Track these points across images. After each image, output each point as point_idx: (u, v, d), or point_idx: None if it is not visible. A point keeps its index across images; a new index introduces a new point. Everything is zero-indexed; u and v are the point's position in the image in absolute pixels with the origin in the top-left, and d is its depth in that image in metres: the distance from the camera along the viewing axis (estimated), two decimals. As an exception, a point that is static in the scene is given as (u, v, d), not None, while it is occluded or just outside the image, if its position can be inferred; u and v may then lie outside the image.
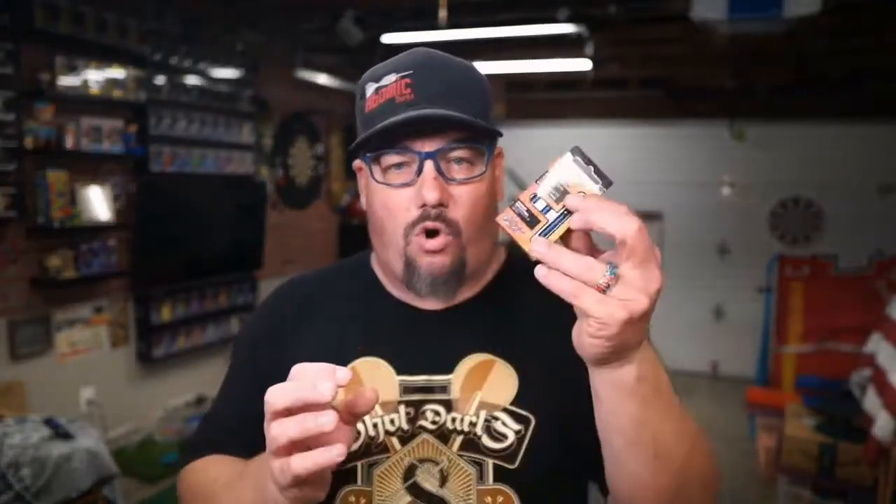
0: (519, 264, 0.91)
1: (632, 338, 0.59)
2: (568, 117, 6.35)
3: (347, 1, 3.77)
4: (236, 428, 0.87)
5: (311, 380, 0.61)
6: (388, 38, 4.15)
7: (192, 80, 4.15)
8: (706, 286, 6.02)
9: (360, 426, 0.82)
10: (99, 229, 3.62)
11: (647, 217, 6.21)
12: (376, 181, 0.80)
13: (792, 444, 3.22)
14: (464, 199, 0.78)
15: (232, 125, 4.50)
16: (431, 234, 0.78)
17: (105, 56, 3.56)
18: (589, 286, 0.56)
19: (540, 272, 0.58)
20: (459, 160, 0.78)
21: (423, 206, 0.77)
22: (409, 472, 0.80)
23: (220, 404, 0.95)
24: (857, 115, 5.37)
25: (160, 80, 3.90)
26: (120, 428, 3.89)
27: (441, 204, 0.77)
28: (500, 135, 0.82)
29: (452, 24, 3.69)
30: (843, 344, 4.22)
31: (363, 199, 0.87)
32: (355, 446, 0.82)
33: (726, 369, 5.94)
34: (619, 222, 0.56)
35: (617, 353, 0.59)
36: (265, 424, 0.62)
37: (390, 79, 0.78)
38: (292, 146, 5.34)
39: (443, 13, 3.53)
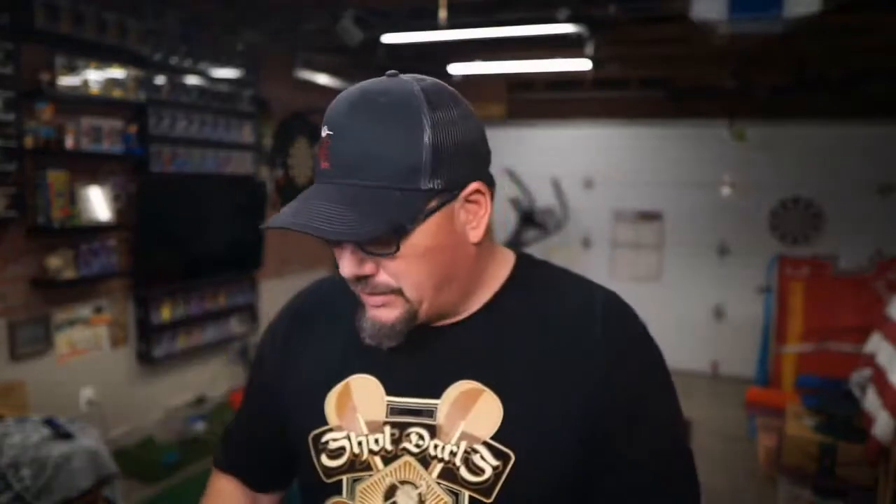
0: (530, 272, 0.87)
1: None
2: (568, 117, 6.35)
3: (347, 1, 3.77)
4: (248, 448, 1.00)
5: None
6: (388, 38, 4.15)
7: (192, 80, 4.15)
8: (706, 286, 6.02)
9: (345, 443, 0.83)
10: (99, 229, 3.61)
11: (647, 217, 6.22)
12: None
13: (792, 444, 3.22)
14: (391, 268, 0.75)
15: (232, 125, 4.50)
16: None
17: (105, 56, 3.56)
18: None
19: None
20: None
21: None
22: (391, 491, 0.81)
23: (236, 417, 1.05)
24: (857, 115, 5.37)
25: (160, 80, 3.90)
26: (120, 428, 3.89)
27: (365, 275, 0.75)
28: (424, 212, 0.72)
29: (452, 24, 3.68)
30: (843, 344, 4.22)
31: None
32: (340, 461, 0.83)
33: (726, 369, 5.94)
34: None
35: None
36: None
37: (323, 132, 0.73)
38: (292, 146, 5.33)
39: (443, 13, 3.53)
